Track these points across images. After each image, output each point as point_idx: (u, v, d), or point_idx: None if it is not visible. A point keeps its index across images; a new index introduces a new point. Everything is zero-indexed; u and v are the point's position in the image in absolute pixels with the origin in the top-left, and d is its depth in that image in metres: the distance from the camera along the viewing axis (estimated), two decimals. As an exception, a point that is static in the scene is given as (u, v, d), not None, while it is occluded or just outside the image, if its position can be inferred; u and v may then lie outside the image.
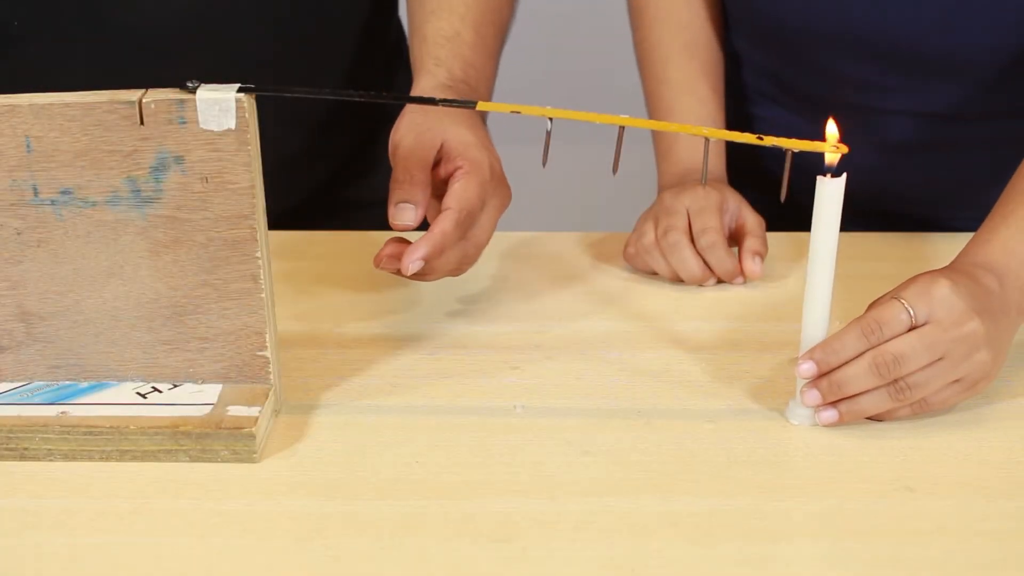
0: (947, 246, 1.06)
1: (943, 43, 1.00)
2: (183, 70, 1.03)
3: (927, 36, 1.00)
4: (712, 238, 0.98)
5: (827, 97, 1.08)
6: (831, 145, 0.73)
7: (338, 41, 1.15)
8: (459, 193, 0.89)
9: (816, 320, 0.78)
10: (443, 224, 0.88)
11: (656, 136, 1.11)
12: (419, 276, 0.89)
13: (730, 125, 1.13)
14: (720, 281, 1.00)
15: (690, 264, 0.98)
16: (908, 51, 1.02)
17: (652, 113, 1.12)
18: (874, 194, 1.11)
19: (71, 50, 1.04)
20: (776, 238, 1.04)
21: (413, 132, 0.93)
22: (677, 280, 1.00)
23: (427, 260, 0.88)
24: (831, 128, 0.75)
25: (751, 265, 0.99)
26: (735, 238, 1.02)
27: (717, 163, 1.09)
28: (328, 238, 1.11)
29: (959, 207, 1.09)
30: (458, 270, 0.92)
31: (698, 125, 1.05)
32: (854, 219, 0.98)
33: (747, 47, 1.14)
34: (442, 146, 0.92)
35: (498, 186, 0.93)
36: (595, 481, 0.74)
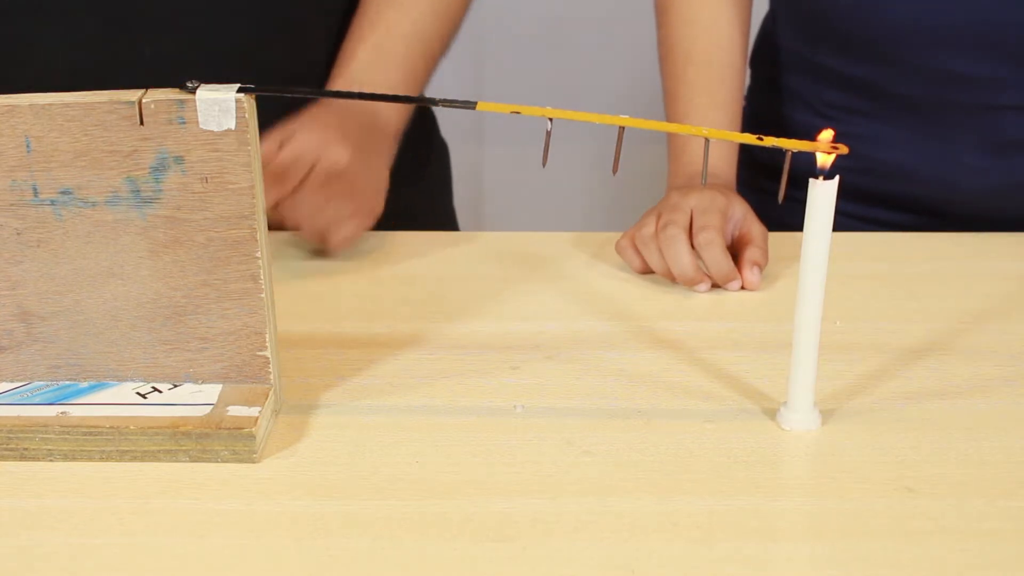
0: (947, 246, 1.06)
1: None
2: (164, 45, 1.03)
3: None
4: (710, 236, 0.98)
5: (928, 98, 1.06)
6: (828, 145, 0.73)
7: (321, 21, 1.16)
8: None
9: (808, 322, 0.78)
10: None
11: (670, 135, 1.10)
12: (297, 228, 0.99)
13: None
14: (714, 286, 0.99)
15: (683, 259, 0.97)
16: None
17: (668, 112, 1.12)
18: (989, 198, 1.08)
19: (47, 23, 1.04)
20: (778, 238, 1.04)
21: None
22: (669, 276, 0.99)
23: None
24: (825, 133, 0.75)
25: (749, 275, 0.98)
26: (736, 248, 1.01)
27: (726, 168, 1.08)
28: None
29: None
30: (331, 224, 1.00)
31: (709, 127, 1.04)
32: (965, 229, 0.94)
33: (828, 56, 1.12)
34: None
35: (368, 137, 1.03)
36: (595, 481, 0.74)
